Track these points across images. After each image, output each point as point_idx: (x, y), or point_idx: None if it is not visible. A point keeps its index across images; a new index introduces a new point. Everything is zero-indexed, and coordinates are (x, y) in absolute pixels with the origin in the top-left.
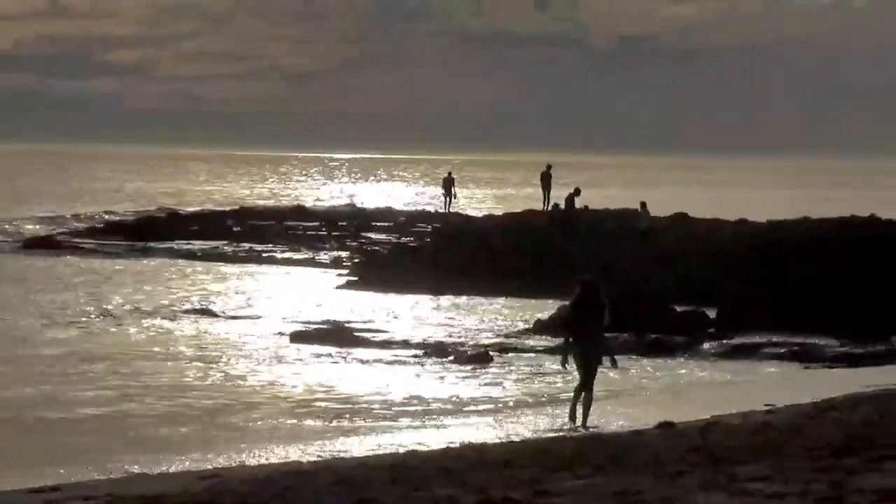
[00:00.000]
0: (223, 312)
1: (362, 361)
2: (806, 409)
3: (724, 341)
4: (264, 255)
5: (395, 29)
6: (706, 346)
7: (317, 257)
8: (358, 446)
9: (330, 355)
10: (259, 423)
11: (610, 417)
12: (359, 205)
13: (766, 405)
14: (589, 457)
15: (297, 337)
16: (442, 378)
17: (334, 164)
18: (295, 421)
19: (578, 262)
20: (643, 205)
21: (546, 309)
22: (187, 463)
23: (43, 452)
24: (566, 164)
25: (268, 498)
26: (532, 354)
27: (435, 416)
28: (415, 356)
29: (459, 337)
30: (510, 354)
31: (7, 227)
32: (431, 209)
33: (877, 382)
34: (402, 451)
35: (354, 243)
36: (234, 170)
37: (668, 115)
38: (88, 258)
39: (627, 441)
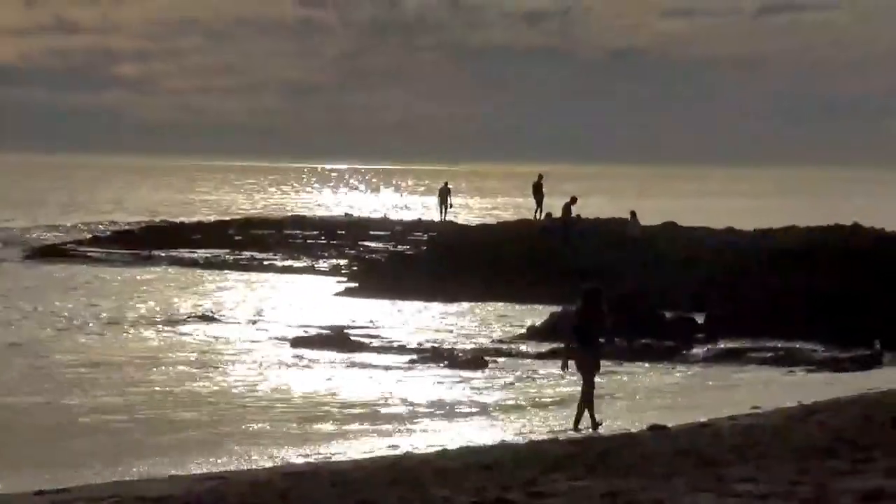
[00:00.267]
0: (225, 319)
1: (361, 366)
2: (791, 412)
3: (712, 346)
4: (265, 263)
5: (391, 44)
6: (695, 350)
7: (316, 265)
8: (356, 449)
9: (329, 360)
10: (260, 426)
11: (601, 420)
12: (355, 214)
13: (753, 408)
14: (581, 459)
15: (297, 342)
16: (438, 382)
17: (333, 174)
18: (295, 424)
19: (571, 270)
20: (633, 214)
21: (539, 315)
22: (191, 466)
23: (50, 456)
24: (558, 174)
25: (269, 499)
26: (526, 359)
27: (431, 419)
28: (411, 361)
29: (455, 342)
30: (504, 359)
31: (16, 236)
32: (427, 218)
33: (860, 386)
34: (399, 453)
35: (352, 251)
36: (235, 180)
37: (656, 126)
38: (95, 266)
39: (619, 443)
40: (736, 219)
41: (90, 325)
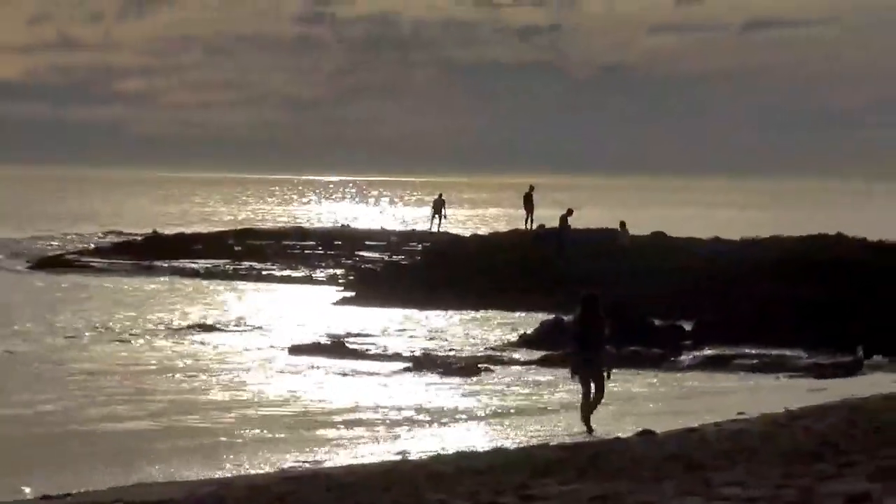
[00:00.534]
0: (225, 327)
1: (357, 373)
2: (777, 418)
3: (700, 353)
4: (264, 273)
5: (386, 59)
6: (682, 357)
7: (313, 275)
8: (353, 454)
9: (326, 367)
10: (258, 432)
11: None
12: (352, 225)
13: (739, 413)
14: (572, 463)
15: (295, 350)
16: (432, 389)
17: (330, 186)
18: (293, 430)
19: (563, 279)
20: (622, 224)
21: (531, 323)
22: (191, 471)
23: (54, 462)
24: (549, 185)
25: (267, 503)
26: (518, 366)
27: (426, 425)
28: (407, 368)
29: (449, 350)
30: (497, 366)
31: (21, 246)
32: (422, 229)
33: (843, 392)
34: (394, 458)
35: (349, 262)
36: (234, 192)
37: (644, 139)
38: (97, 276)
39: (608, 448)
40: (723, 229)
41: (89, 334)
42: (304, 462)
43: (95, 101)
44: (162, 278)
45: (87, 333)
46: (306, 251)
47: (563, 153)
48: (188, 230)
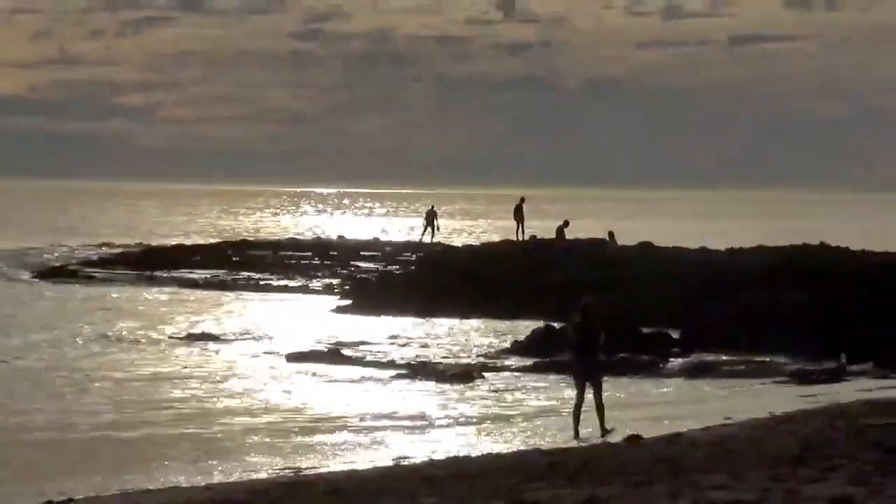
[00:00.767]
0: (224, 336)
1: (354, 380)
2: (763, 422)
3: (687, 360)
4: (261, 282)
5: (380, 74)
6: (670, 364)
7: (310, 285)
8: (348, 459)
9: (323, 374)
10: (257, 438)
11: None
12: (347, 236)
13: (726, 418)
14: (563, 467)
15: (293, 358)
16: (427, 395)
17: (326, 197)
18: (291, 436)
19: (554, 288)
20: (611, 234)
21: (523, 331)
22: (190, 477)
23: (57, 468)
24: (540, 197)
25: None
26: (511, 373)
27: (420, 431)
28: (401, 375)
29: (443, 357)
30: (490, 373)
31: (26, 257)
32: (415, 240)
33: (828, 397)
34: (390, 463)
35: (344, 272)
36: (233, 204)
37: (632, 151)
38: (99, 286)
39: (599, 453)
40: (710, 239)
41: (91, 342)
42: (301, 467)
43: (96, 116)
44: (162, 288)
45: (89, 342)
46: (303, 261)
47: (553, 165)
48: (188, 241)
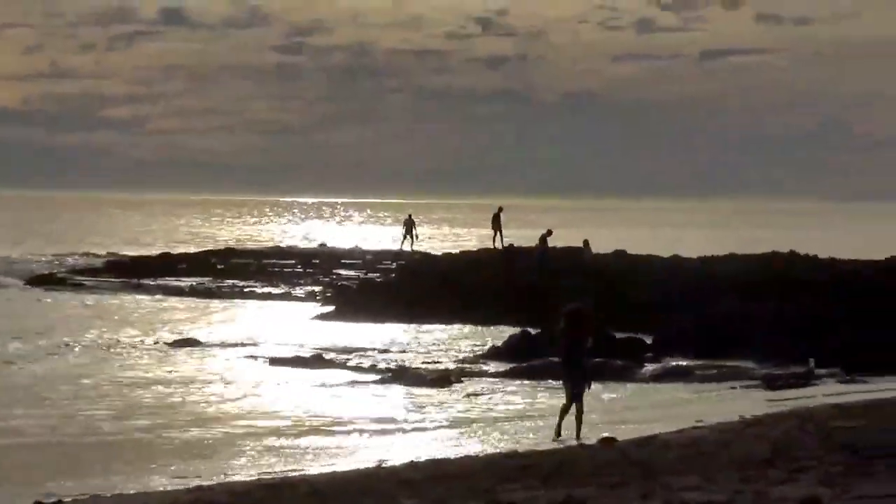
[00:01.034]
0: (208, 342)
1: (335, 384)
2: (733, 426)
3: (660, 365)
4: (245, 290)
5: (361, 87)
6: (644, 369)
7: (293, 292)
8: (330, 462)
9: (306, 379)
10: (241, 441)
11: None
12: (329, 244)
13: (698, 421)
14: (538, 469)
15: (276, 363)
16: (407, 399)
17: (309, 207)
18: (274, 439)
19: (531, 294)
20: (586, 242)
21: (501, 336)
22: (174, 479)
23: (45, 471)
24: (517, 206)
25: None
26: (488, 378)
27: (400, 434)
28: (382, 379)
29: (423, 362)
30: (469, 378)
31: (15, 264)
32: (396, 248)
33: (796, 401)
34: (370, 465)
35: (326, 279)
36: (218, 213)
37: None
38: (87, 294)
39: (573, 455)
40: (683, 247)
41: (78, 348)
42: (283, 469)
43: (86, 127)
44: (148, 296)
45: (78, 348)
46: (286, 269)
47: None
48: (174, 250)
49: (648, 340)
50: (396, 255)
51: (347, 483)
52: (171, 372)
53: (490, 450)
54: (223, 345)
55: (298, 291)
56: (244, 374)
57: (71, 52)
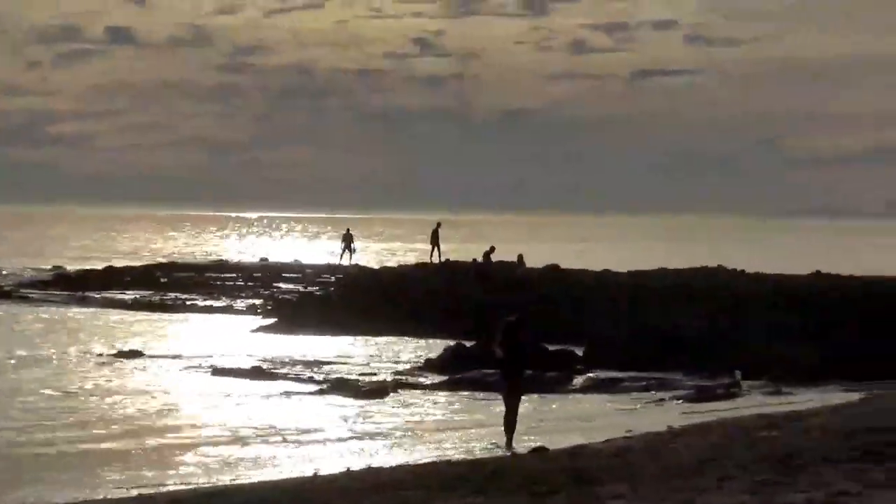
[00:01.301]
0: (151, 353)
1: (274, 395)
2: (661, 436)
3: (590, 376)
4: (188, 303)
5: (301, 106)
6: (575, 381)
7: (234, 305)
8: (268, 471)
9: (245, 389)
10: (178, 450)
11: (491, 444)
12: (270, 259)
13: (627, 431)
14: (470, 479)
15: (217, 373)
16: (344, 410)
17: (251, 222)
18: (211, 448)
19: (466, 308)
20: (520, 257)
21: (437, 348)
22: (114, 489)
23: None
24: (454, 222)
25: None
26: (424, 389)
27: (337, 443)
28: (320, 390)
29: (360, 374)
30: (405, 389)
31: None
32: (335, 262)
33: (723, 411)
34: (308, 474)
35: (267, 292)
36: (161, 228)
37: (542, 179)
38: (33, 306)
39: (506, 464)
40: (613, 261)
41: (23, 360)
42: (221, 478)
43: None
44: (93, 309)
45: (21, 360)
46: (227, 283)
47: (467, 192)
48: (118, 264)
49: (579, 352)
50: (336, 268)
51: (284, 492)
52: (112, 383)
53: (425, 459)
54: (165, 356)
55: (240, 304)
56: (185, 385)
57: (17, 70)
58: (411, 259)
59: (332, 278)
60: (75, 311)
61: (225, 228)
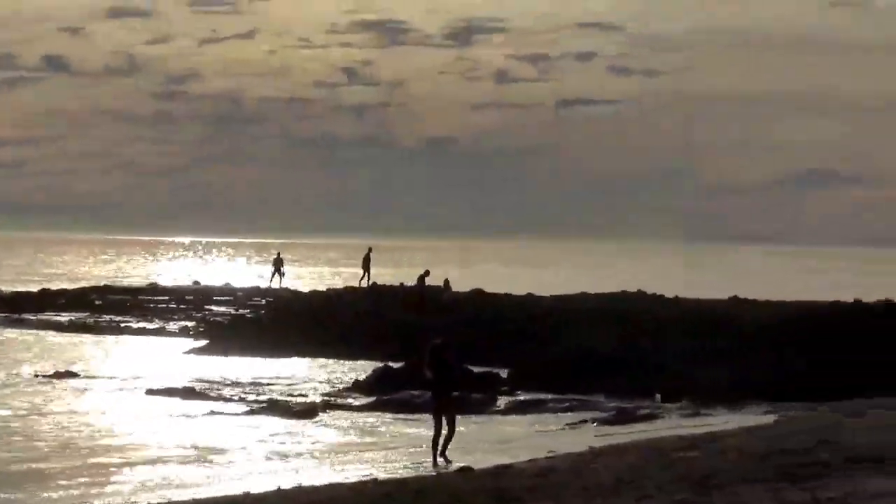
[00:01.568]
0: (85, 374)
1: (205, 415)
2: (583, 455)
3: (515, 398)
4: (122, 325)
5: (233, 133)
6: (499, 402)
7: (167, 327)
8: (199, 491)
9: (177, 410)
10: (112, 471)
11: (416, 463)
12: (202, 282)
13: (550, 452)
14: (398, 498)
15: (149, 393)
16: (274, 430)
17: (183, 246)
18: (144, 467)
19: (393, 332)
20: (446, 282)
21: (364, 370)
22: None
23: None
24: (381, 247)
25: None
26: (352, 410)
27: (268, 463)
28: (251, 411)
29: (290, 395)
30: (333, 409)
31: None
32: (265, 285)
33: (643, 433)
34: (239, 493)
35: (199, 315)
36: (97, 252)
37: (468, 205)
38: None
39: (431, 483)
40: (536, 286)
41: None
42: (150, 499)
43: None
44: (29, 330)
45: None
46: (160, 305)
47: (393, 217)
48: (53, 286)
49: (504, 374)
50: (266, 291)
51: None
52: (45, 404)
53: (353, 478)
54: (99, 377)
55: (172, 326)
56: (119, 405)
57: None
58: (340, 283)
59: (263, 301)
60: (10, 333)
61: (158, 252)
